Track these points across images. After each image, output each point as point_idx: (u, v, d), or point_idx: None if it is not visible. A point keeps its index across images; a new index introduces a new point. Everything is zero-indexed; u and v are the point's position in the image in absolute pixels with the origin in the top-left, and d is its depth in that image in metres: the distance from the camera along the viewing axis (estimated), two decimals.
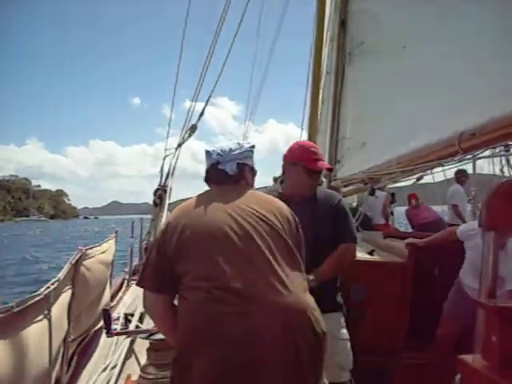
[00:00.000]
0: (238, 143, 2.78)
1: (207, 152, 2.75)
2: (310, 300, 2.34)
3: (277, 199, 2.68)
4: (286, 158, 3.73)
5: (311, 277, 3.44)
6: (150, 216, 8.15)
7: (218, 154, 2.70)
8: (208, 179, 2.76)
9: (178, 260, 2.36)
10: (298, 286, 2.31)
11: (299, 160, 3.58)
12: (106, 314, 2.60)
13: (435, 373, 4.40)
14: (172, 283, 2.40)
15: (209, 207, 2.45)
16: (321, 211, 3.54)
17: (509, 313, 2.07)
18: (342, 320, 3.67)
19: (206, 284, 2.23)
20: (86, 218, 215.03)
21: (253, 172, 2.83)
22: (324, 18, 9.61)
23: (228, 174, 2.67)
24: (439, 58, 5.30)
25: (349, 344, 3.68)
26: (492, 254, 2.34)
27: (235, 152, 2.71)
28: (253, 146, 2.81)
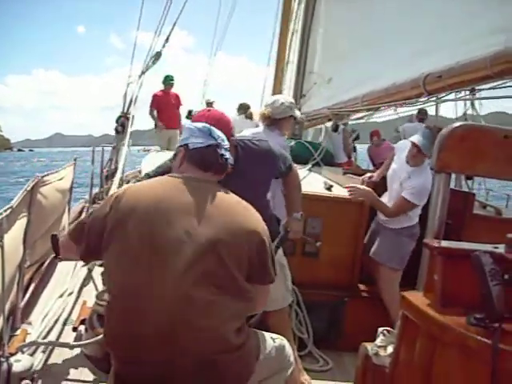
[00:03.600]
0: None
1: (208, 129, 2.48)
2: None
3: (247, 209, 2.38)
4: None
5: (299, 214, 3.74)
6: (91, 148, 8.05)
7: (220, 136, 2.47)
8: (193, 159, 2.44)
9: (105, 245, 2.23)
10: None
11: None
12: (55, 239, 2.56)
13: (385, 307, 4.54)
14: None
15: (171, 212, 2.19)
16: (249, 158, 3.46)
17: (452, 253, 2.12)
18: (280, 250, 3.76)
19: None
20: (20, 150, 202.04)
21: None
22: None
23: (222, 161, 2.44)
24: (410, 1, 5.25)
25: (288, 269, 3.90)
26: (441, 196, 2.39)
27: (227, 144, 2.52)
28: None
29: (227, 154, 2.47)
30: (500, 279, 1.86)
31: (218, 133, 2.48)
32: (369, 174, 5.30)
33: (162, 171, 3.24)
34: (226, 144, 2.50)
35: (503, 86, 3.70)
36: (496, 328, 1.78)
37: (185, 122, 11.75)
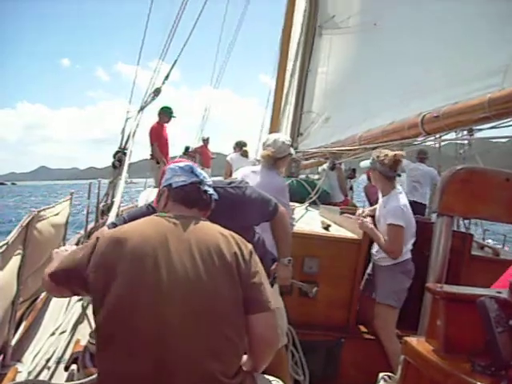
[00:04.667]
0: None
1: (190, 167, 2.53)
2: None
3: (232, 240, 2.33)
4: None
5: (287, 259, 3.59)
6: (76, 181, 8.04)
7: (202, 173, 2.53)
8: (177, 197, 2.47)
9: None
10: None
11: None
12: None
13: (382, 348, 4.49)
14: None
15: (158, 251, 2.16)
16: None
17: (455, 298, 2.09)
18: (276, 287, 3.70)
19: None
20: (1, 183, 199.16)
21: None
22: None
23: (205, 198, 2.48)
24: (410, 40, 5.34)
25: (284, 310, 3.84)
26: (443, 239, 2.37)
27: (209, 181, 2.58)
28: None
29: (211, 190, 2.52)
30: (505, 325, 1.83)
31: (200, 170, 2.54)
32: (360, 210, 5.28)
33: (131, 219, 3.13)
34: (209, 181, 2.56)
35: (501, 125, 3.73)
36: (502, 375, 1.75)
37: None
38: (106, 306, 2.13)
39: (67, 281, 2.32)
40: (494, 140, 4.80)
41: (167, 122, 11.37)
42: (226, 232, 2.38)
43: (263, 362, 2.41)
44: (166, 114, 11.25)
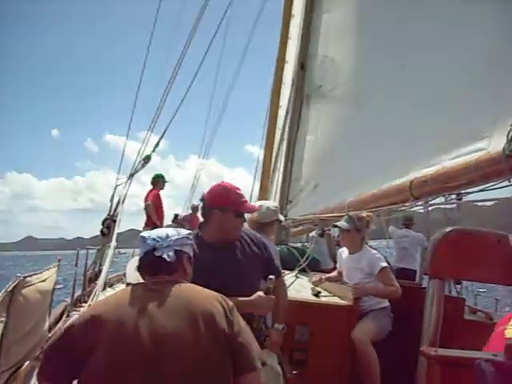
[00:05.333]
0: (176, 229, 2.57)
1: (142, 237, 2.49)
2: None
3: (212, 300, 2.31)
4: (214, 203, 3.44)
5: (281, 326, 3.59)
6: (63, 252, 7.97)
7: (154, 239, 2.45)
8: (141, 269, 2.48)
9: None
10: None
11: (232, 204, 3.40)
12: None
13: None
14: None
15: (128, 324, 2.15)
16: (246, 251, 3.49)
17: (450, 362, 2.06)
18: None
19: None
20: None
21: (190, 261, 2.58)
22: (284, 60, 9.81)
23: (166, 261, 2.40)
24: (395, 109, 5.46)
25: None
26: (436, 302, 2.35)
27: (173, 238, 2.48)
28: (190, 234, 2.61)
29: (166, 253, 2.42)
30: None
31: (153, 236, 2.46)
32: (317, 277, 5.59)
33: None
34: (167, 242, 2.46)
35: (489, 189, 3.76)
36: None
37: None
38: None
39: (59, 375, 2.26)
40: (480, 204, 4.85)
41: (162, 188, 11.56)
42: (206, 292, 2.36)
43: None
44: (160, 180, 11.47)
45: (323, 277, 5.56)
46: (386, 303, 4.86)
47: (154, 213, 10.95)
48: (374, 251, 4.93)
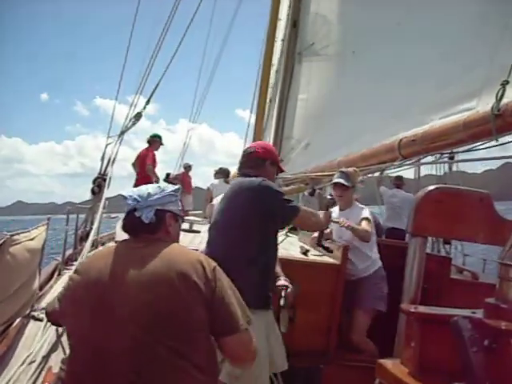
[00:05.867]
0: (159, 187, 2.48)
1: (124, 197, 2.43)
2: None
3: (191, 260, 2.26)
4: (268, 155, 3.75)
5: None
6: (54, 216, 7.93)
7: (135, 199, 2.38)
8: (124, 228, 2.44)
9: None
10: None
11: (278, 162, 3.81)
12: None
13: (363, 374, 4.43)
14: None
15: (105, 281, 2.20)
16: None
17: (429, 319, 2.07)
18: (271, 313, 3.67)
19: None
20: None
21: (177, 218, 2.53)
22: (277, 18, 9.67)
23: (143, 222, 2.35)
24: (387, 67, 5.40)
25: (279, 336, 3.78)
26: (417, 260, 2.36)
27: (154, 197, 2.40)
28: (177, 190, 2.54)
29: (144, 213, 2.37)
30: (480, 346, 1.81)
31: (134, 195, 2.40)
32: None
33: None
34: (148, 202, 2.40)
35: (477, 148, 3.75)
36: None
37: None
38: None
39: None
40: (470, 172, 4.86)
41: (157, 149, 11.46)
42: (187, 252, 2.34)
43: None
44: (157, 140, 11.41)
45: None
46: (378, 264, 4.92)
47: (154, 175, 10.95)
48: (362, 206, 5.08)
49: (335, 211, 5.17)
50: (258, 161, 3.71)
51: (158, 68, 8.87)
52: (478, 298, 2.18)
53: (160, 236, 2.39)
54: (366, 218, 4.85)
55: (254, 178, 3.56)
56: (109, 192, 8.00)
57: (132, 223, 2.37)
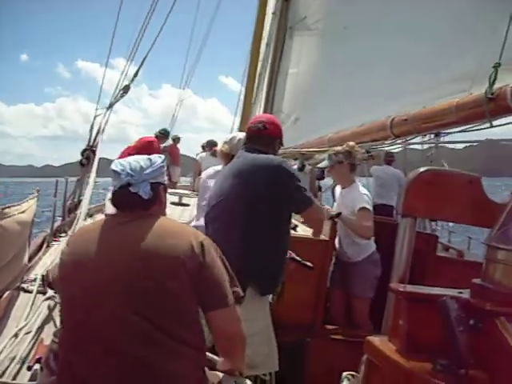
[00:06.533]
0: (149, 159, 2.42)
1: (114, 172, 2.36)
2: None
3: (181, 235, 2.27)
4: (279, 134, 3.74)
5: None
6: (33, 179, 7.93)
7: (129, 173, 2.32)
8: (117, 204, 2.40)
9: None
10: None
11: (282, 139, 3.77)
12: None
13: (349, 349, 4.51)
14: None
15: (92, 254, 2.23)
16: None
17: (417, 298, 2.12)
18: (267, 299, 3.72)
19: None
20: None
21: (166, 189, 2.52)
22: None
23: (142, 198, 2.32)
24: (378, 44, 5.39)
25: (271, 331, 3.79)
26: (407, 241, 2.41)
27: (147, 171, 2.35)
28: (164, 160, 2.49)
29: (142, 188, 2.33)
30: (466, 325, 1.86)
31: (126, 170, 2.34)
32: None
33: None
34: (143, 176, 2.35)
35: (469, 130, 3.79)
36: (462, 374, 1.78)
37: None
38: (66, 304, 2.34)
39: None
40: (459, 145, 4.90)
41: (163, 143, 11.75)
42: (178, 227, 2.37)
43: (236, 359, 2.41)
44: (163, 136, 11.57)
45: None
46: (371, 249, 4.84)
47: None
48: (361, 188, 4.87)
49: (338, 187, 5.17)
50: (269, 138, 3.66)
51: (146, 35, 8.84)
52: (464, 275, 2.23)
53: (154, 209, 2.39)
54: (364, 208, 4.67)
55: (271, 157, 3.52)
56: None
57: (128, 199, 2.33)
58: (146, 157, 2.43)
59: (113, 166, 2.38)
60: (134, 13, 9.89)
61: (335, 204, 5.26)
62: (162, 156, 2.51)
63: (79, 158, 8.35)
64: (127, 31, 9.35)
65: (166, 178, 2.52)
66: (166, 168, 2.51)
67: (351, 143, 4.79)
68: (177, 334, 2.16)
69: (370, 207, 4.67)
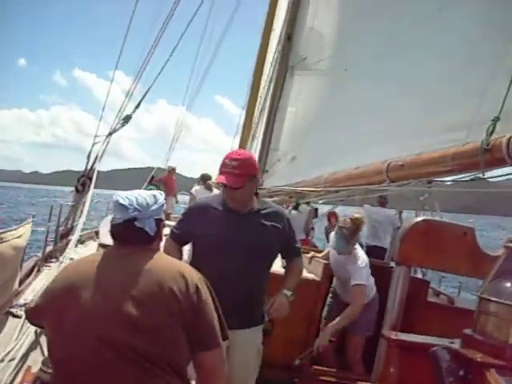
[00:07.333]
0: (154, 195, 2.45)
1: (121, 205, 2.36)
2: None
3: (176, 273, 2.28)
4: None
5: (289, 292, 3.60)
6: (20, 185, 7.92)
7: (136, 208, 2.34)
8: (119, 237, 2.41)
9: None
10: None
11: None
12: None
13: None
14: None
15: (85, 288, 2.22)
16: (269, 224, 3.56)
17: (409, 346, 2.14)
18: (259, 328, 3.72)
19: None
20: None
21: (163, 225, 2.53)
22: (271, 29, 9.76)
23: (147, 233, 2.36)
24: (379, 88, 5.48)
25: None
26: (400, 288, 2.44)
27: (153, 207, 2.40)
28: (164, 198, 2.53)
29: (148, 225, 2.37)
30: (456, 376, 1.89)
31: (134, 205, 2.36)
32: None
33: None
34: (149, 213, 2.39)
35: (463, 180, 3.84)
36: None
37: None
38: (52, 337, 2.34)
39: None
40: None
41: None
42: (173, 264, 2.39)
43: None
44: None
45: (316, 254, 5.62)
46: (373, 293, 4.81)
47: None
48: (360, 261, 4.76)
49: (332, 254, 5.15)
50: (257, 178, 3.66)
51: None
52: (454, 323, 2.26)
53: (155, 245, 2.44)
54: (356, 285, 4.66)
55: (280, 207, 3.84)
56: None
57: (132, 233, 2.35)
58: (150, 193, 2.47)
59: (120, 200, 2.38)
60: (137, 28, 10.02)
61: (327, 246, 5.31)
62: (163, 193, 2.56)
63: (68, 167, 8.41)
64: (128, 45, 9.48)
65: (164, 213, 2.56)
66: (165, 205, 2.55)
67: (358, 216, 4.94)
68: (168, 369, 2.17)
69: (362, 282, 4.64)
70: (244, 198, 3.49)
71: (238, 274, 3.33)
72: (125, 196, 2.39)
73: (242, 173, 3.38)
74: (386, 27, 5.59)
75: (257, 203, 3.61)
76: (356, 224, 4.82)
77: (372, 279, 4.83)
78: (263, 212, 3.57)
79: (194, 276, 2.33)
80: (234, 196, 3.48)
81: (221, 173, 3.45)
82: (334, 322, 4.72)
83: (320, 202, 9.18)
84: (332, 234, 5.30)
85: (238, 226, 3.46)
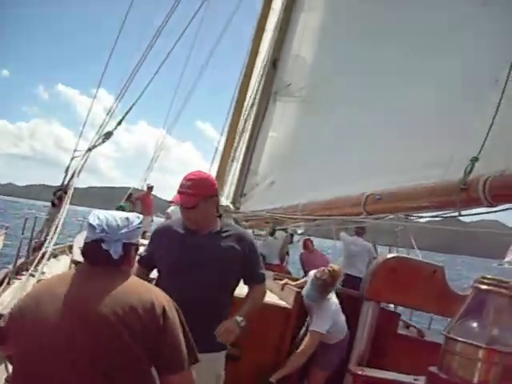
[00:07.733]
0: (127, 218, 2.40)
1: (90, 225, 2.33)
2: None
3: (143, 297, 2.26)
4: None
5: (240, 318, 3.47)
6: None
7: (104, 230, 2.30)
8: (85, 255, 2.39)
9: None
10: None
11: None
12: None
13: None
14: None
15: (49, 309, 2.20)
16: (229, 247, 3.52)
17: (375, 382, 2.15)
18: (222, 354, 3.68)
19: None
20: None
21: (137, 250, 2.52)
22: (257, 55, 9.83)
23: (111, 257, 2.30)
24: (359, 119, 5.54)
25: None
26: (368, 323, 2.45)
27: (123, 230, 2.34)
28: (141, 222, 2.48)
29: (113, 247, 2.32)
30: None
31: (102, 225, 2.32)
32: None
33: None
34: (117, 235, 2.34)
35: (440, 216, 3.88)
36: None
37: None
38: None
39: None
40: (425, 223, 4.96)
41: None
42: (142, 287, 2.36)
43: None
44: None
45: (289, 282, 5.58)
46: (340, 337, 4.59)
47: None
48: (325, 310, 4.68)
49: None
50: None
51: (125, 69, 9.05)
52: (423, 356, 2.27)
53: (122, 268, 2.39)
54: (315, 332, 4.66)
55: (245, 230, 3.82)
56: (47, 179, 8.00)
57: (98, 254, 2.32)
58: (124, 215, 2.43)
59: (90, 219, 2.37)
60: (121, 49, 10.10)
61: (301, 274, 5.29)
62: (141, 216, 2.54)
63: (43, 180, 8.36)
64: (111, 65, 9.55)
65: (139, 238, 2.53)
66: (141, 228, 2.51)
67: (337, 268, 4.77)
68: None
69: (320, 330, 4.60)
70: (198, 217, 3.49)
71: (194, 298, 3.25)
72: (97, 216, 2.37)
73: (194, 192, 3.40)
74: (371, 58, 5.66)
75: (220, 225, 3.60)
76: (333, 277, 4.67)
77: (343, 318, 4.63)
78: (224, 234, 3.56)
79: (162, 298, 2.31)
80: (188, 216, 3.51)
81: (178, 192, 3.51)
82: (281, 368, 4.70)
83: (298, 232, 9.23)
84: (308, 280, 5.20)
85: (194, 247, 3.45)
